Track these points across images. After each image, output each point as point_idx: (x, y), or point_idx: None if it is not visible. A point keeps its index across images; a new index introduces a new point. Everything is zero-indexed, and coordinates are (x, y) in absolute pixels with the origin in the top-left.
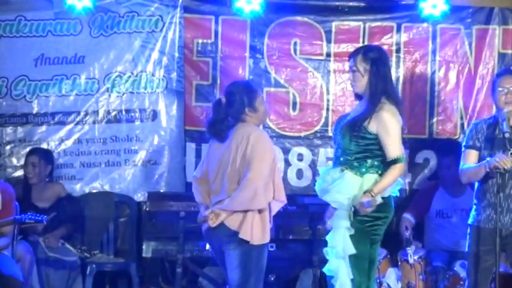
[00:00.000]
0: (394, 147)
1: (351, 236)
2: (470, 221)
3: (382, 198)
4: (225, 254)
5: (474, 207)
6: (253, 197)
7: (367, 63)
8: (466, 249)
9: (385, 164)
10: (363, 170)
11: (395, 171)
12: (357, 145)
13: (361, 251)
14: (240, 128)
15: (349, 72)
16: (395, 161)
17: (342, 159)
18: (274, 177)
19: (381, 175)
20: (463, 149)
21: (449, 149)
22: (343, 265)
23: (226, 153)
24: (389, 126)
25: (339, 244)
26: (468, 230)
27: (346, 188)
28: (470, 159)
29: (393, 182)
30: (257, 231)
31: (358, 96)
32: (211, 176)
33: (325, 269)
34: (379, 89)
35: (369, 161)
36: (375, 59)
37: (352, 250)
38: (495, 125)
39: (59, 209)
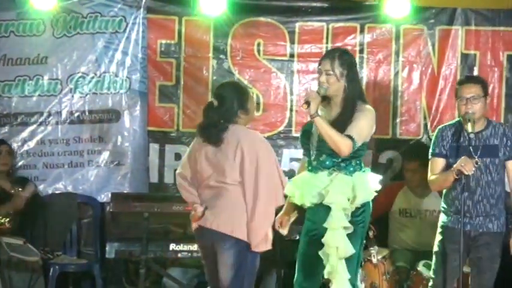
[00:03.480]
0: (355, 130)
1: (347, 236)
2: (440, 223)
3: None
4: (218, 253)
5: (443, 210)
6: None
7: (344, 68)
8: (435, 249)
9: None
10: (351, 169)
11: (344, 141)
12: None
13: (355, 251)
14: (234, 131)
15: (321, 74)
16: (350, 138)
17: (327, 163)
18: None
19: (364, 172)
20: (429, 157)
21: (415, 153)
22: (342, 265)
23: (222, 157)
24: (367, 116)
25: (341, 244)
26: (438, 230)
27: (343, 189)
28: (437, 167)
29: (330, 139)
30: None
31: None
32: (204, 177)
33: (325, 274)
34: (356, 94)
35: (353, 161)
36: (350, 63)
37: (352, 250)
38: (460, 132)
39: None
